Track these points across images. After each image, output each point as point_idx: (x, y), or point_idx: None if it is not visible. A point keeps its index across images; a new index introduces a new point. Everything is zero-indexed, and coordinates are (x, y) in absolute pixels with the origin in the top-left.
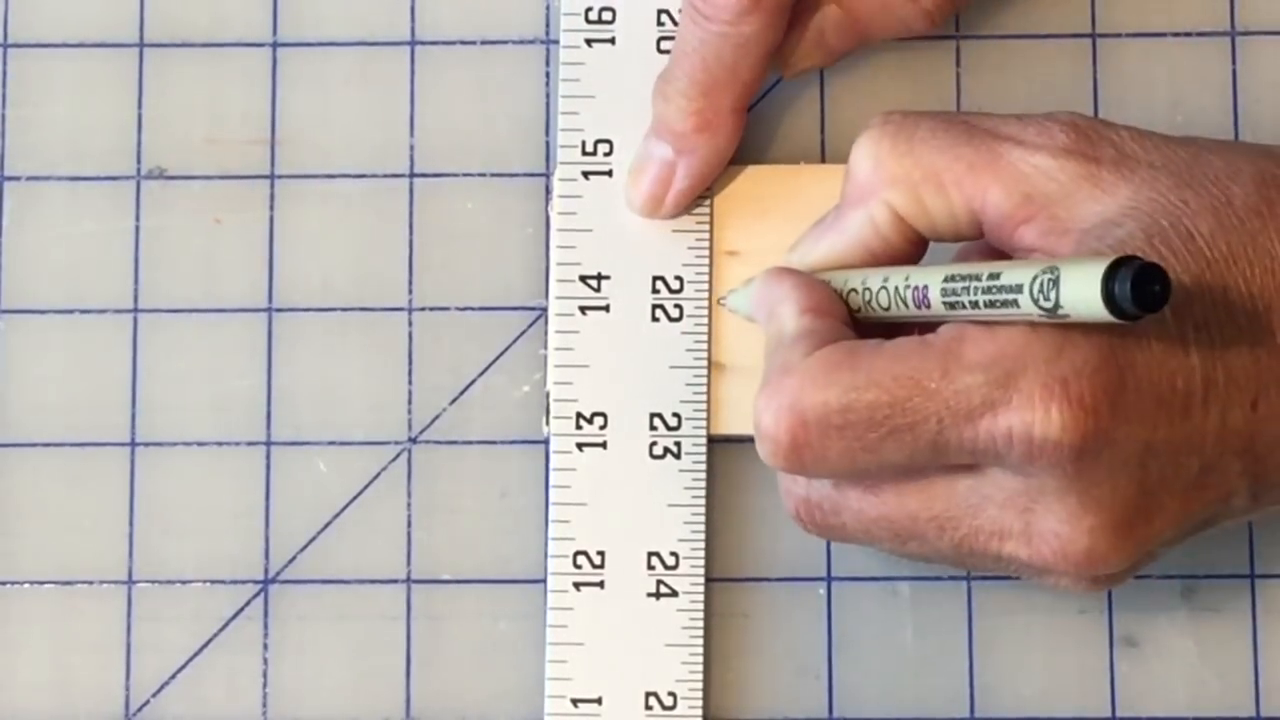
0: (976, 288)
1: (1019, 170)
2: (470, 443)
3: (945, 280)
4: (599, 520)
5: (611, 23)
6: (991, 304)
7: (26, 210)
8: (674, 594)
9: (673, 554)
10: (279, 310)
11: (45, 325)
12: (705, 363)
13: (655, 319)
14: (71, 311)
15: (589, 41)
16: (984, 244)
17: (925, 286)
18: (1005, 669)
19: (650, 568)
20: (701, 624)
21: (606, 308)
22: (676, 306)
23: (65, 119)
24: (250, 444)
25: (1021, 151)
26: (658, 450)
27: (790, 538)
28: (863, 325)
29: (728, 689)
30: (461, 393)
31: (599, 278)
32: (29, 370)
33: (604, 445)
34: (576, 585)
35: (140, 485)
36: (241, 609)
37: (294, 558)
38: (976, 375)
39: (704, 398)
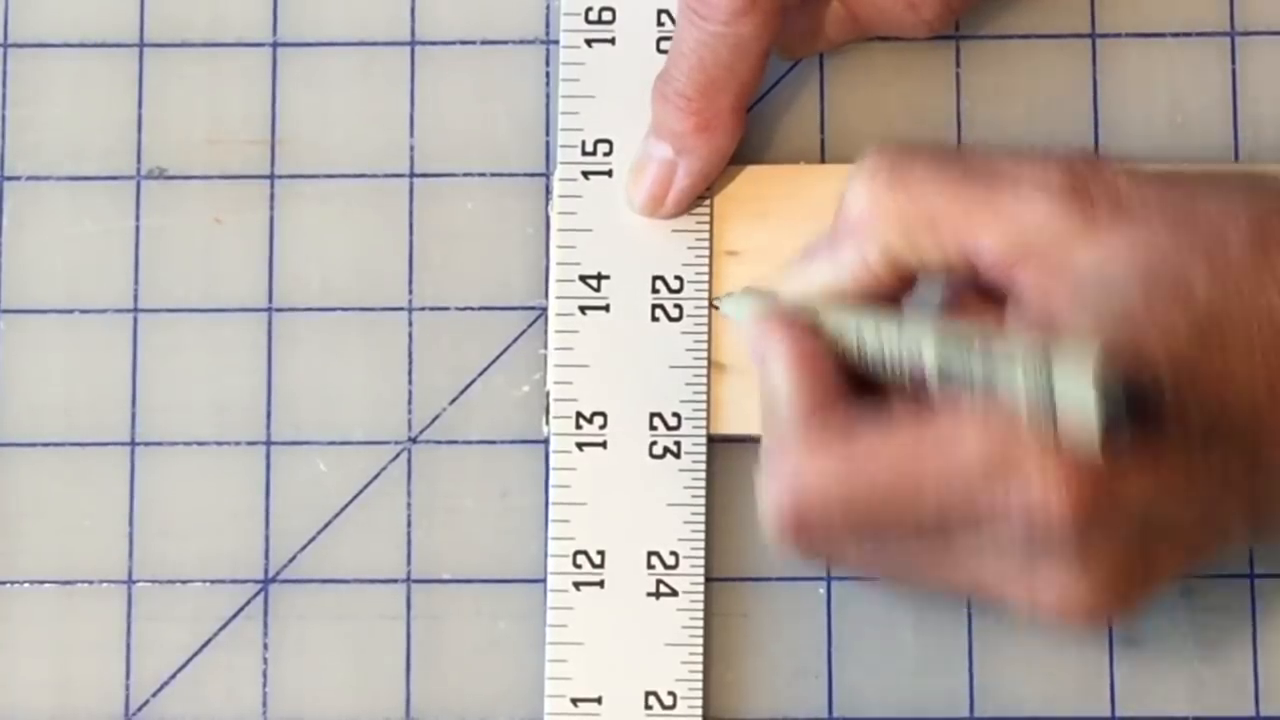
0: (972, 361)
1: (1013, 213)
2: (470, 443)
3: (939, 345)
4: (599, 520)
5: (611, 23)
6: (987, 378)
7: (26, 210)
8: (674, 594)
9: (673, 554)
10: (279, 310)
11: (45, 325)
12: (705, 363)
13: (655, 319)
14: (71, 311)
15: (589, 41)
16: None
17: (919, 351)
18: (1005, 669)
19: (650, 567)
20: (701, 624)
21: (606, 307)
22: (676, 306)
23: (65, 119)
24: (250, 444)
25: (1016, 193)
26: (658, 450)
27: None
28: (854, 367)
29: (728, 689)
30: (461, 393)
31: (599, 277)
32: (29, 370)
33: (604, 445)
34: (576, 585)
35: (140, 485)
36: (241, 609)
37: (294, 558)
38: (974, 455)
39: (704, 398)
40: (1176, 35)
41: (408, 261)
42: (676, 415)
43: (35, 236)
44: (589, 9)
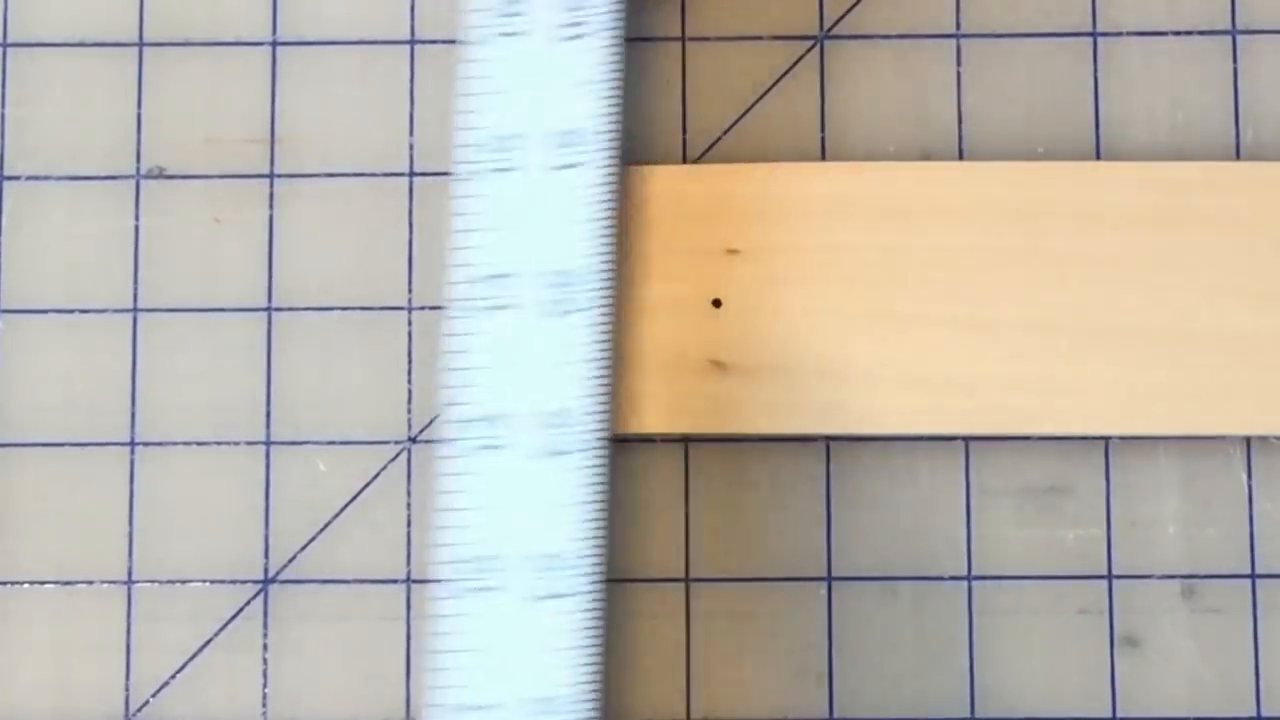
0: None
1: None
2: None
3: None
4: (491, 523)
5: (522, 15)
6: None
7: (26, 210)
8: (566, 596)
9: (565, 555)
10: (279, 310)
11: (45, 325)
12: (604, 361)
13: (555, 318)
14: (71, 311)
15: (497, 36)
16: None
17: None
18: (1005, 669)
19: (542, 570)
20: (594, 626)
21: (507, 306)
22: (577, 305)
23: (65, 119)
24: (250, 444)
25: None
26: (553, 450)
27: (790, 538)
28: None
29: (728, 689)
30: None
31: (499, 276)
32: (29, 370)
33: (498, 446)
34: (467, 590)
35: (140, 485)
36: (241, 609)
37: (294, 558)
38: None
39: (604, 396)
40: (1178, 33)
41: (407, 261)
42: (574, 415)
43: (35, 236)
44: (498, 3)
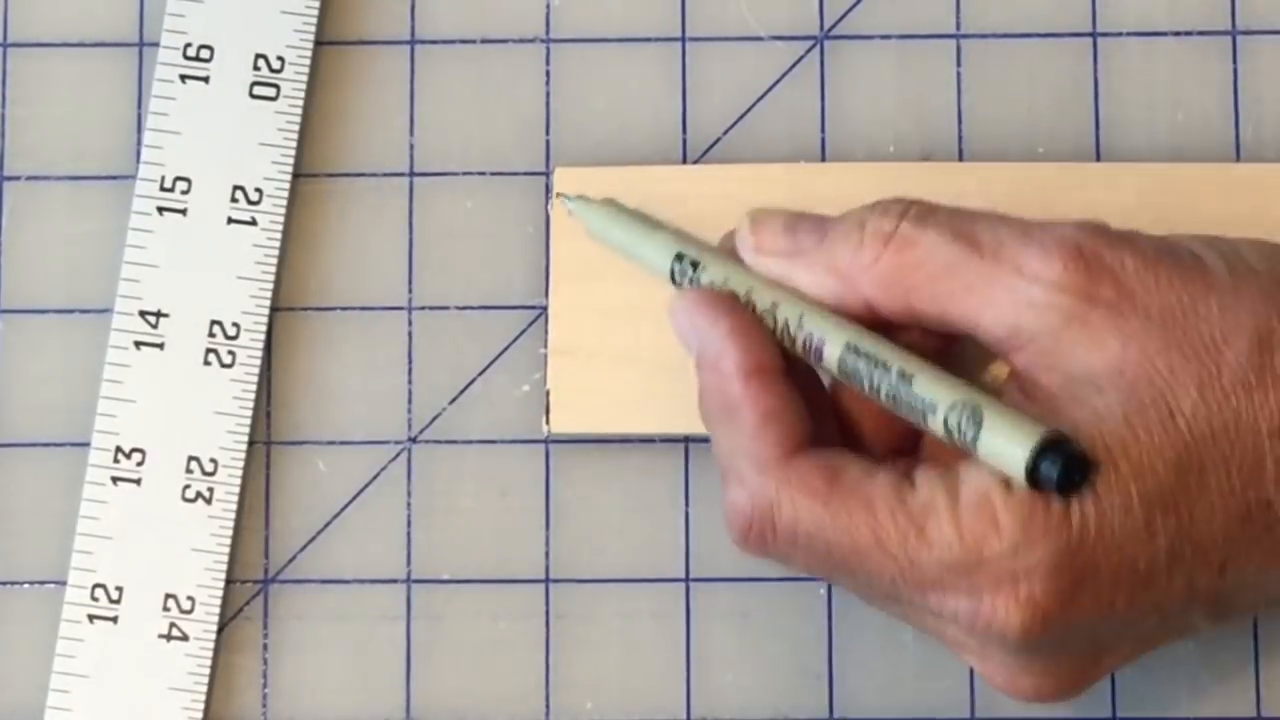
0: (882, 379)
1: (1012, 301)
2: (470, 442)
3: (846, 350)
4: (122, 555)
5: (209, 61)
6: (894, 400)
7: (26, 210)
8: (185, 638)
9: (189, 598)
10: (279, 309)
11: (45, 325)
12: (249, 412)
13: (207, 362)
14: (71, 311)
15: (183, 77)
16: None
17: (822, 343)
18: None
19: (165, 609)
20: (208, 671)
21: (161, 345)
22: (230, 353)
23: (65, 119)
24: (251, 443)
25: (1017, 281)
26: (190, 494)
27: None
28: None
29: (727, 689)
30: (461, 392)
31: (158, 315)
32: (29, 370)
33: (138, 482)
34: (90, 617)
35: None
36: (241, 609)
37: (294, 558)
38: (934, 555)
39: (243, 446)
40: (1178, 34)
41: (407, 260)
42: (214, 461)
43: (35, 236)
44: (188, 45)
